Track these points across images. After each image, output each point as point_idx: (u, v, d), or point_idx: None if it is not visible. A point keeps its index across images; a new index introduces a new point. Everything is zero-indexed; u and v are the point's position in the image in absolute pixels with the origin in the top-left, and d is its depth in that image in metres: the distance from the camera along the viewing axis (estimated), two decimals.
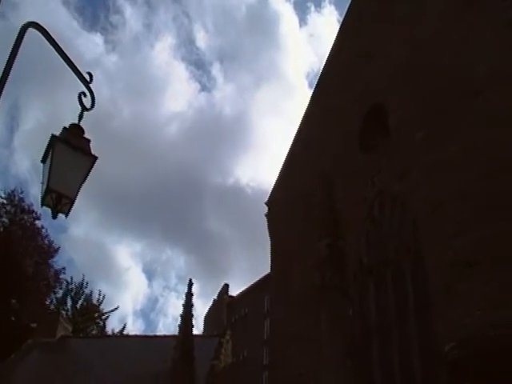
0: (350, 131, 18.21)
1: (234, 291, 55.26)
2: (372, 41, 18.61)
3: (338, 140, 18.62)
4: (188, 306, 19.65)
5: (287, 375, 16.67)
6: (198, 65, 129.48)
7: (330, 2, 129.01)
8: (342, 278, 12.80)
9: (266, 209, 21.74)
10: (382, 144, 16.79)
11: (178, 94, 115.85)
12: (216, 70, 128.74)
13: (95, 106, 6.23)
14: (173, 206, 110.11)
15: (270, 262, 20.66)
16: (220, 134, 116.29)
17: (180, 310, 20.00)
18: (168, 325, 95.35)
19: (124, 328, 43.85)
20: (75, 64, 6.20)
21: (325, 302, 12.51)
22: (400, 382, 13.64)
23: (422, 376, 13.16)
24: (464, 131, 14.12)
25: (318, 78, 21.93)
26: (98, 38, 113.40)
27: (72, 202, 5.85)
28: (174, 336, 20.76)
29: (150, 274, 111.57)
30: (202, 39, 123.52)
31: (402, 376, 13.64)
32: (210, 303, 54.49)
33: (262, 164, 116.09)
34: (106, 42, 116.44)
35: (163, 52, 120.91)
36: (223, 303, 53.36)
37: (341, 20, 21.53)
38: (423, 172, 14.83)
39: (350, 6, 20.86)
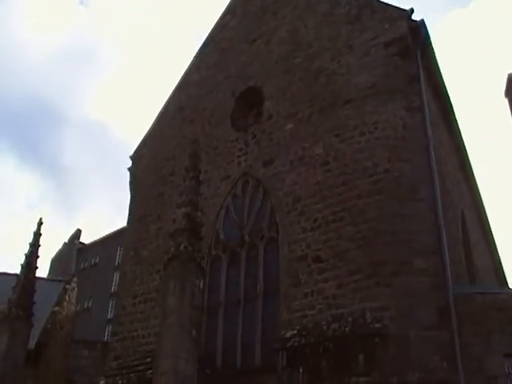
0: (224, 106, 18.73)
1: (87, 238, 54.39)
2: (258, 26, 19.20)
3: (212, 112, 19.07)
4: (35, 246, 18.90)
5: (129, 333, 17.13)
6: None
7: None
8: (196, 250, 13.15)
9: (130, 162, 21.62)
10: (253, 126, 17.53)
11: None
12: None
13: None
14: (29, 128, 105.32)
15: (127, 215, 20.72)
16: (94, 62, 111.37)
17: (22, 242, 19.24)
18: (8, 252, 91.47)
19: None
20: None
21: (176, 270, 12.80)
22: (240, 358, 14.65)
23: (261, 356, 14.25)
24: (327, 135, 15.35)
25: (202, 43, 21.91)
26: None
27: None
28: (14, 275, 19.96)
29: None
30: None
31: (243, 352, 14.67)
32: (60, 246, 53.62)
33: (135, 108, 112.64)
34: None
35: None
36: (74, 248, 52.62)
37: None
38: (287, 164, 15.83)
39: None
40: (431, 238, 12.72)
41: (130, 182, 21.05)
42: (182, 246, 12.65)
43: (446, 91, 16.58)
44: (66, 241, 52.55)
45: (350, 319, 12.58)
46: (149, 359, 14.46)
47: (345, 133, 14.95)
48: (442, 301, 12.00)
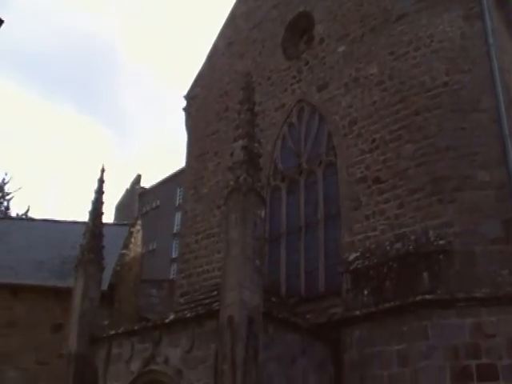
0: (274, 36, 18.35)
1: (147, 183, 55.57)
2: None
3: (262, 43, 18.73)
4: (99, 192, 19.20)
5: (195, 269, 17.46)
6: None
7: None
8: (255, 181, 13.04)
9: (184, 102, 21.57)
10: (305, 53, 17.12)
11: None
12: None
13: None
14: (86, 75, 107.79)
15: (185, 156, 20.81)
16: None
17: (86, 192, 19.33)
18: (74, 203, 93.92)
19: (28, 210, 40.35)
20: None
21: (237, 202, 12.71)
22: (304, 284, 14.70)
23: (325, 281, 14.25)
24: (381, 53, 14.87)
25: None
26: None
27: None
28: (83, 223, 20.46)
29: None
30: None
31: (307, 279, 14.69)
32: (123, 192, 54.83)
33: (186, 47, 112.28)
34: None
35: None
36: (135, 193, 53.81)
37: None
38: (341, 87, 15.47)
39: None
40: (495, 149, 12.24)
41: (186, 121, 21.04)
42: (241, 178, 12.35)
43: None
44: (128, 187, 53.70)
45: (412, 238, 12.37)
46: (215, 292, 14.57)
47: (399, 49, 14.44)
48: (508, 213, 11.64)
